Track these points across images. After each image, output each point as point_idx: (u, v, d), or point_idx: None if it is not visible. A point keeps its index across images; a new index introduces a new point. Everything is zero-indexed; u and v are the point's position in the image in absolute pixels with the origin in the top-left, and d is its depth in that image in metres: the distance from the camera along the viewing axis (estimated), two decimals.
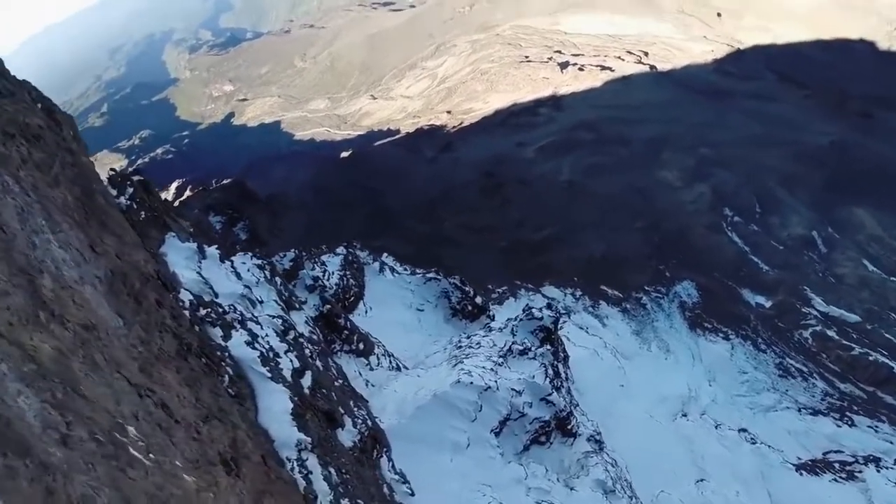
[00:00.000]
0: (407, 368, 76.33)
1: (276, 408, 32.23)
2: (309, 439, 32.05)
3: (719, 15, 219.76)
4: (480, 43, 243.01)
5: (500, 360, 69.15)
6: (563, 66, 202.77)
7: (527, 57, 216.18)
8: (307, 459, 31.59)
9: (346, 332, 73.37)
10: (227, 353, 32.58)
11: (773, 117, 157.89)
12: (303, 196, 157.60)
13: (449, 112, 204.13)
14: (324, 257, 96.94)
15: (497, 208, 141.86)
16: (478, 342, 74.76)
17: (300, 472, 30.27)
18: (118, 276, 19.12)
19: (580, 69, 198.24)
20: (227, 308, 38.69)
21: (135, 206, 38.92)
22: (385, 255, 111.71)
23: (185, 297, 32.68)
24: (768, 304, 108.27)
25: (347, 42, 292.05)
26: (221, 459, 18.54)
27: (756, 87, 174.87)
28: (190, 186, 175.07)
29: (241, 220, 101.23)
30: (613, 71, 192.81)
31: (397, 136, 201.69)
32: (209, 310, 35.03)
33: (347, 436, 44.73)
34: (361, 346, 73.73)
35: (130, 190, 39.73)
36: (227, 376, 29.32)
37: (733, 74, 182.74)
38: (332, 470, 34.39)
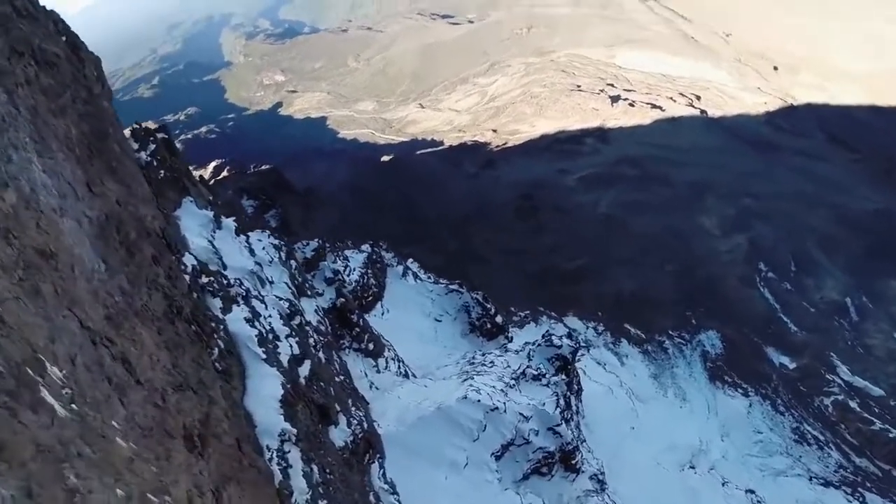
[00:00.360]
0: (415, 376, 74.93)
1: (265, 392, 31.10)
2: (295, 431, 30.86)
3: (776, 68, 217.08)
4: (534, 66, 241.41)
5: (512, 381, 67.38)
6: (615, 99, 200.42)
7: (579, 86, 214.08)
8: (289, 452, 30.19)
9: (357, 329, 72.95)
10: (222, 327, 31.21)
11: (820, 177, 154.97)
12: (339, 194, 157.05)
13: (495, 131, 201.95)
14: (347, 252, 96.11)
15: (531, 232, 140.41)
16: (491, 361, 73.03)
17: (279, 463, 28.80)
18: (113, 221, 18.18)
19: (631, 104, 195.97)
20: (232, 281, 37.50)
21: (154, 164, 37.95)
22: (410, 260, 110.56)
23: (189, 261, 31.34)
24: (792, 366, 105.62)
25: (402, 48, 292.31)
26: (185, 434, 17.12)
27: (805, 144, 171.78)
28: (228, 168, 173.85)
29: (273, 207, 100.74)
30: (664, 110, 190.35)
31: (440, 148, 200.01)
32: (212, 279, 33.82)
33: (340, 435, 43.35)
34: (371, 346, 73.28)
35: (153, 146, 38.76)
36: (216, 349, 27.83)
37: (784, 129, 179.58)
38: (315, 467, 32.91)
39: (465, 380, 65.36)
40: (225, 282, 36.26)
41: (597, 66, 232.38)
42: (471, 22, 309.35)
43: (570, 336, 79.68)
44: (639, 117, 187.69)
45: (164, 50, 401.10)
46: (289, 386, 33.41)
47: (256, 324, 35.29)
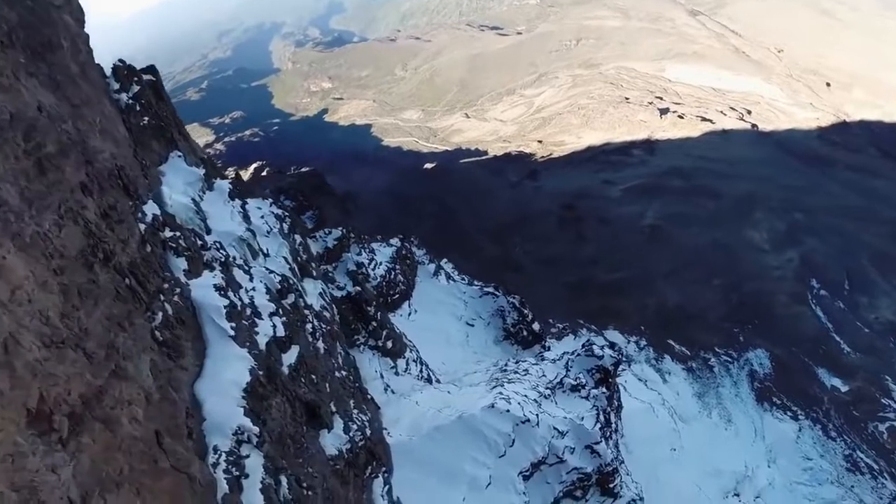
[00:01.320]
0: (439, 381, 70.14)
1: (225, 376, 25.97)
2: (257, 430, 25.48)
3: (828, 85, 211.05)
4: (582, 78, 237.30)
5: (548, 392, 61.76)
6: (663, 111, 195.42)
7: (627, 98, 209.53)
8: (246, 456, 24.62)
9: (374, 324, 68.82)
10: (178, 290, 26.49)
11: (874, 192, 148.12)
12: (378, 199, 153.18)
13: (540, 141, 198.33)
14: (374, 244, 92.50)
15: (572, 242, 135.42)
16: (525, 369, 67.42)
17: (227, 471, 23.02)
18: (20, 124, 15.90)
19: (680, 116, 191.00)
20: (210, 244, 33.29)
21: (137, 108, 33.49)
22: (444, 260, 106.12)
23: (150, 210, 27.00)
24: (845, 389, 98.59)
25: (450, 58, 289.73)
26: (37, 409, 12.72)
27: (858, 160, 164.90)
28: (268, 169, 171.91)
29: (310, 209, 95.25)
30: (714, 123, 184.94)
31: (484, 158, 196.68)
32: (178, 234, 29.00)
33: (333, 441, 38.48)
34: (390, 344, 69.04)
35: (136, 88, 33.89)
36: (160, 315, 23.14)
37: (836, 144, 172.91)
38: (286, 479, 27.15)
39: (495, 387, 60.09)
40: (199, 242, 31.91)
41: (646, 78, 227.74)
42: (519, 33, 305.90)
43: (612, 347, 74.49)
44: (688, 129, 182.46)
45: (214, 55, 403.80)
46: (261, 373, 28.41)
47: (231, 294, 30.47)
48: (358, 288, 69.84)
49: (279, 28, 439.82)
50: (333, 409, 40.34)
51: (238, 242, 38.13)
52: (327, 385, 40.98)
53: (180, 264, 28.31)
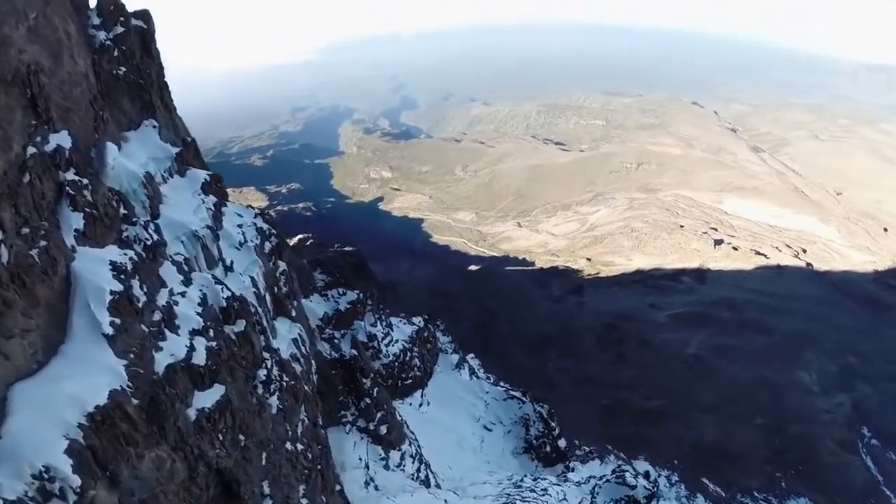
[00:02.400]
0: (438, 487, 61.30)
1: (65, 388, 18.32)
2: (77, 482, 17.18)
3: (885, 230, 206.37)
4: (639, 202, 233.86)
5: None
6: (718, 242, 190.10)
7: (681, 226, 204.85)
8: None
9: (367, 400, 60.78)
10: (49, 244, 20.05)
11: None
12: (418, 292, 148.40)
13: (589, 259, 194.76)
14: (394, 319, 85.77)
15: (610, 363, 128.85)
16: (544, 489, 59.85)
17: None
18: None
19: (734, 248, 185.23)
20: (142, 222, 27.06)
21: (115, 54, 28.70)
22: (472, 355, 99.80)
23: (59, 141, 21.73)
24: None
25: (510, 166, 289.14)
26: None
27: None
28: (312, 241, 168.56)
29: (345, 287, 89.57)
30: (768, 258, 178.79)
31: (530, 268, 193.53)
32: (83, 181, 22.85)
33: None
34: (385, 430, 60.66)
35: (119, 30, 28.83)
36: None
37: (893, 288, 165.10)
38: None
39: None
40: (122, 212, 25.88)
41: (702, 208, 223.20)
42: (581, 151, 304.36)
43: (646, 477, 67.51)
44: (741, 262, 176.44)
45: (284, 128, 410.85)
46: (135, 402, 20.77)
47: (135, 284, 23.76)
48: (354, 352, 61.84)
49: (351, 113, 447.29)
50: (266, 490, 31.42)
51: (189, 239, 31.35)
52: (263, 456, 31.95)
53: (74, 220, 21.92)
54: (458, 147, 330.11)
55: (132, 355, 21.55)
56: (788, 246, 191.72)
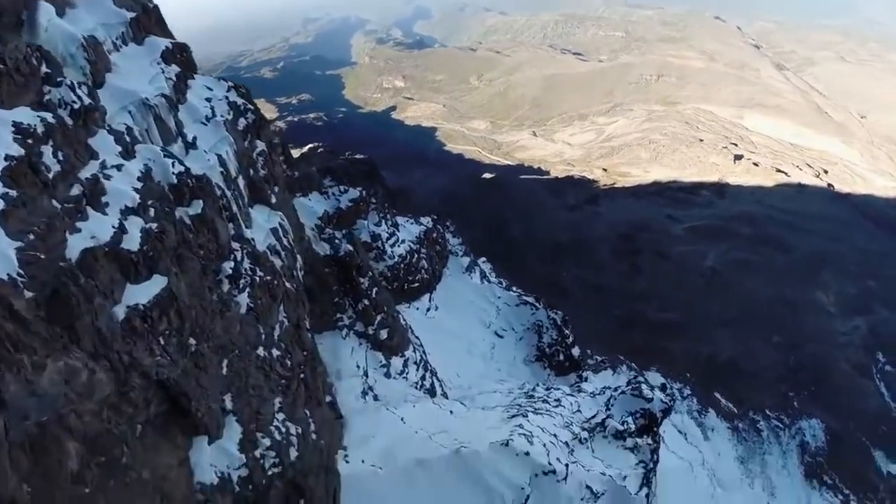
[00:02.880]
0: (444, 396, 57.82)
1: None
2: None
3: None
4: (657, 114, 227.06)
5: (585, 434, 51.12)
6: (738, 157, 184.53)
7: (701, 140, 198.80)
8: None
9: (366, 302, 56.77)
10: None
11: None
12: (430, 199, 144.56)
13: (605, 170, 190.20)
14: (400, 219, 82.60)
15: (625, 274, 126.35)
16: (557, 400, 56.19)
17: None
18: None
19: (755, 164, 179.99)
20: (75, 87, 22.60)
21: None
22: (483, 259, 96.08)
23: None
24: None
25: (526, 75, 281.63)
26: None
27: None
28: (322, 150, 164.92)
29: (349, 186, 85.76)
30: (788, 176, 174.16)
31: (545, 177, 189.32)
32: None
33: (215, 460, 25.31)
34: (385, 335, 56.30)
35: None
36: None
37: None
38: None
39: (515, 416, 48.60)
40: (45, 71, 21.67)
41: (722, 123, 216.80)
42: (600, 61, 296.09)
43: (663, 390, 64.29)
44: (761, 178, 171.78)
45: (295, 40, 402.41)
46: (29, 295, 16.61)
47: (45, 151, 19.47)
48: (350, 248, 57.43)
49: (364, 24, 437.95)
50: (228, 405, 26.82)
51: (139, 109, 26.63)
52: (224, 364, 26.99)
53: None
54: (473, 56, 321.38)
55: (32, 236, 17.28)
56: (809, 165, 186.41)
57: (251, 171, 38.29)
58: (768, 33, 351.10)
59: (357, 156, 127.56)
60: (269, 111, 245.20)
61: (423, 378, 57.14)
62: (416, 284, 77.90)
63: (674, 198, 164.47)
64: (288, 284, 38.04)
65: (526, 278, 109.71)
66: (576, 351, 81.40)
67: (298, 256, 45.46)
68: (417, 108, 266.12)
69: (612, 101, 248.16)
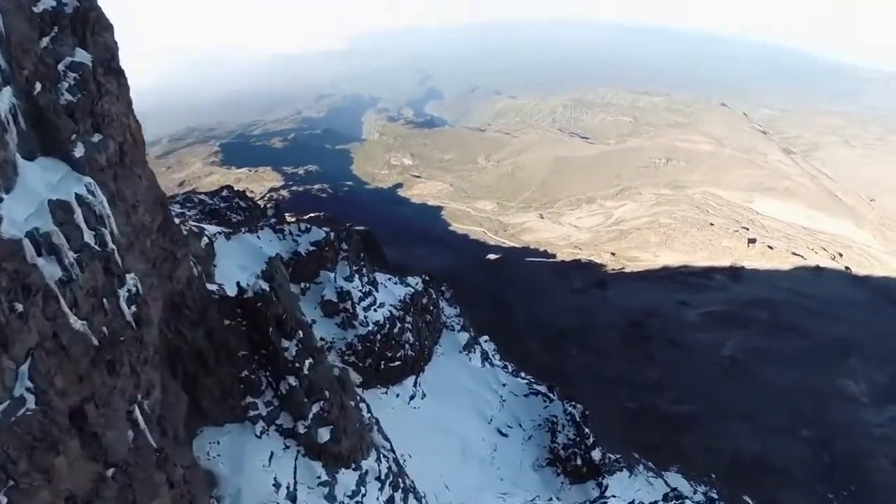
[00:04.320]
0: None
1: None
2: None
3: None
4: (666, 197, 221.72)
5: None
6: (751, 240, 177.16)
7: (711, 224, 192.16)
8: None
9: (290, 381, 37.21)
10: None
11: None
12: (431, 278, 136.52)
13: (613, 254, 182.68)
14: (380, 276, 71.01)
15: (636, 363, 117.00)
16: None
17: None
18: None
19: (769, 247, 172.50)
20: None
21: None
22: (485, 337, 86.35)
23: None
24: None
25: (534, 157, 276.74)
26: None
27: None
28: (323, 218, 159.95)
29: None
30: (805, 259, 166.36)
31: (551, 260, 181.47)
32: None
33: None
34: (327, 435, 37.49)
35: None
36: None
37: None
38: None
39: None
40: None
41: (732, 207, 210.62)
42: (608, 144, 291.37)
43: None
44: (777, 261, 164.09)
45: (307, 113, 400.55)
46: None
47: None
48: (264, 286, 36.07)
49: (376, 102, 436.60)
50: None
51: None
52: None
53: None
54: (482, 136, 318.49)
55: None
56: (824, 249, 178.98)
57: (46, 92, 20.97)
58: (773, 120, 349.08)
59: (357, 227, 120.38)
60: (274, 180, 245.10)
61: (390, 501, 40.54)
62: (398, 363, 64.83)
63: (686, 282, 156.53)
64: (76, 324, 19.71)
65: (529, 365, 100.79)
66: (596, 454, 68.22)
67: (154, 281, 28.04)
68: (424, 187, 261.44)
69: (621, 184, 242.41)
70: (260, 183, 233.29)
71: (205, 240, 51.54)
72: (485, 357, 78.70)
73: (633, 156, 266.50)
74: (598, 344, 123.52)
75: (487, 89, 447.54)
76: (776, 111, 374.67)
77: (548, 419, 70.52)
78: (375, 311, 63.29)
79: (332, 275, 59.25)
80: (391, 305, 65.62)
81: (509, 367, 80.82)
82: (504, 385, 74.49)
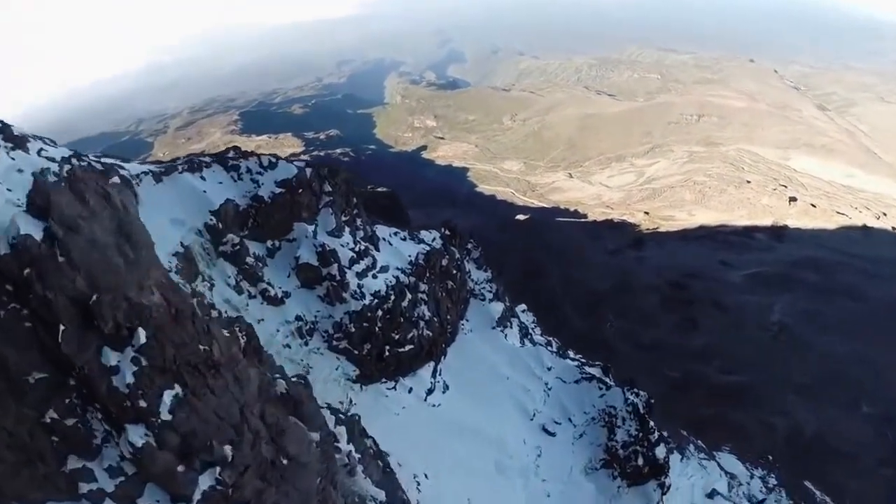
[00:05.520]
0: None
1: None
2: None
3: None
4: (699, 155, 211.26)
5: None
6: (792, 199, 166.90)
7: (748, 181, 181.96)
8: None
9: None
10: None
11: None
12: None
13: (647, 213, 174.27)
14: (382, 229, 53.84)
15: (678, 328, 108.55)
16: None
17: None
18: None
19: (812, 205, 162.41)
20: None
21: None
22: (523, 307, 75.29)
23: None
24: None
25: (562, 115, 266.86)
26: None
27: None
28: None
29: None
30: (850, 218, 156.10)
31: (582, 220, 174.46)
32: None
33: None
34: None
35: None
36: None
37: None
38: None
39: None
40: None
41: (768, 164, 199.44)
42: (637, 101, 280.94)
43: None
44: (821, 220, 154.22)
45: (328, 80, 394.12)
46: None
47: None
48: (32, 231, 15.62)
49: (398, 66, 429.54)
50: None
51: None
52: None
53: None
54: (507, 96, 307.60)
55: None
56: (867, 208, 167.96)
57: None
58: (805, 76, 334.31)
59: (379, 188, 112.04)
60: (294, 145, 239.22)
61: None
62: (409, 348, 48.62)
63: (726, 241, 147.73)
64: None
65: (564, 332, 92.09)
66: (661, 451, 53.51)
67: None
68: (449, 148, 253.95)
69: (651, 141, 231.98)
70: (280, 149, 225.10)
71: (114, 180, 34.12)
72: (524, 333, 64.29)
73: (663, 112, 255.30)
74: (637, 308, 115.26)
75: (510, 50, 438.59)
76: (806, 68, 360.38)
77: (604, 411, 56.16)
78: (375, 277, 47.07)
79: (309, 228, 43.75)
80: (398, 269, 49.44)
81: (553, 343, 68.88)
82: (549, 369, 59.61)
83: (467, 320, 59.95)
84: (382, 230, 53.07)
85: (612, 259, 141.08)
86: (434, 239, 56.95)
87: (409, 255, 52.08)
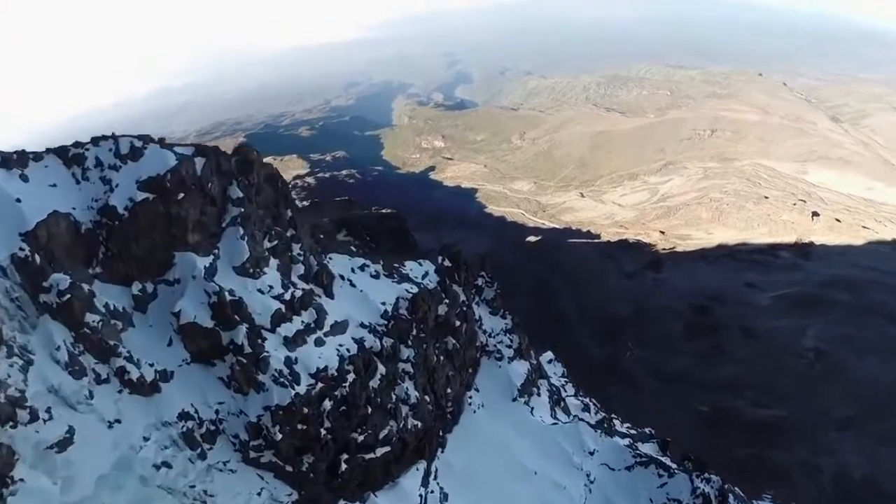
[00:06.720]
0: None
1: None
2: None
3: None
4: (714, 171, 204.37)
5: None
6: (815, 214, 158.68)
7: (766, 197, 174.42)
8: None
9: None
10: None
11: None
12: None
13: (662, 232, 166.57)
14: (339, 260, 39.99)
15: (704, 357, 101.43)
16: None
17: None
18: None
19: (837, 220, 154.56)
20: None
21: None
22: (550, 355, 63.81)
23: None
24: None
25: (571, 133, 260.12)
26: None
27: None
28: (348, 202, 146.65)
29: (376, 252, 53.86)
30: (877, 233, 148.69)
31: (595, 241, 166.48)
32: None
33: None
34: None
35: None
36: None
37: None
38: None
39: None
40: None
41: (785, 179, 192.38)
42: (648, 118, 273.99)
43: None
44: (847, 236, 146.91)
45: (336, 102, 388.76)
46: None
47: None
48: None
49: (405, 88, 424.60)
50: None
51: None
52: None
53: None
54: (515, 115, 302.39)
55: None
56: (892, 221, 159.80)
57: None
58: (814, 89, 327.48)
59: (383, 210, 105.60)
60: (298, 167, 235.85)
61: None
62: (384, 451, 34.59)
63: (749, 261, 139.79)
64: None
65: (581, 363, 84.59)
66: None
67: None
68: (457, 169, 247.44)
69: (664, 158, 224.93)
70: (284, 171, 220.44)
71: None
72: (555, 399, 49.90)
73: (675, 128, 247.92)
74: (659, 335, 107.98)
75: (517, 70, 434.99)
76: (814, 80, 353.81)
77: None
78: (320, 343, 31.45)
79: (200, 261, 28.59)
80: (363, 327, 34.16)
81: (592, 407, 56.08)
82: (592, 453, 45.58)
83: (476, 390, 46.69)
84: (341, 262, 38.19)
85: (629, 282, 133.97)
86: (427, 274, 42.51)
87: (384, 303, 36.82)
